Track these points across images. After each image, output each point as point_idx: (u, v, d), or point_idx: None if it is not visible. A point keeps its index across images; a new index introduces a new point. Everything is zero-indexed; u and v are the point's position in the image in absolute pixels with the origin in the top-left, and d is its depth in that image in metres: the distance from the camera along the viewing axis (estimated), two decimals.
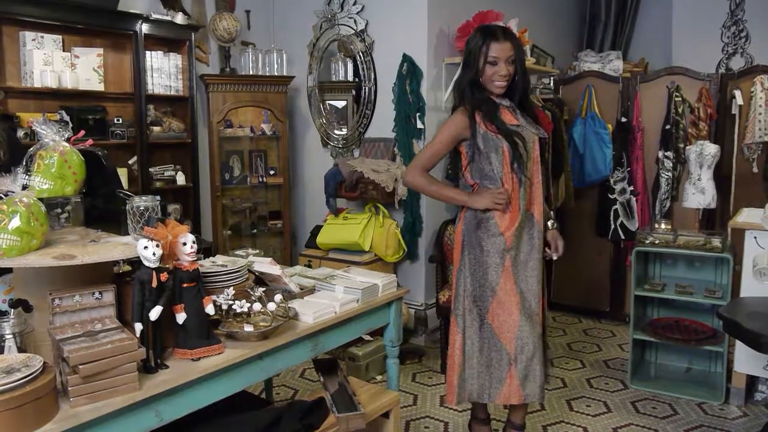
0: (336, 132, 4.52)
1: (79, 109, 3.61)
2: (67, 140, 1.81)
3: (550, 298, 4.67)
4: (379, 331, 2.37)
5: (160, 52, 3.97)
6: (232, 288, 1.82)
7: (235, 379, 1.71)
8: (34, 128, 1.88)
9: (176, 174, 4.12)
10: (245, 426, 1.79)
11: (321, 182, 4.19)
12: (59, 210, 1.82)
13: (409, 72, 3.97)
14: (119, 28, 3.77)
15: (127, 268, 1.95)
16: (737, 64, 5.18)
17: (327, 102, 4.55)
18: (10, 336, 1.48)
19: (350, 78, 4.37)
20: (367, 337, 3.59)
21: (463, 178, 2.50)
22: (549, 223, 2.54)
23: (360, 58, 4.25)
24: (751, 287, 3.09)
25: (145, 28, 3.80)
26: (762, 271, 3.00)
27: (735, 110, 4.23)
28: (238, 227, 4.49)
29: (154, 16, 3.85)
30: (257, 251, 2.37)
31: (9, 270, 1.72)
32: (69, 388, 1.38)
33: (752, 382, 3.31)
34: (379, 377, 3.57)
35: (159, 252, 1.56)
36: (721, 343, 3.27)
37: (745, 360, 3.17)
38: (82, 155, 1.83)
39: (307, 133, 4.75)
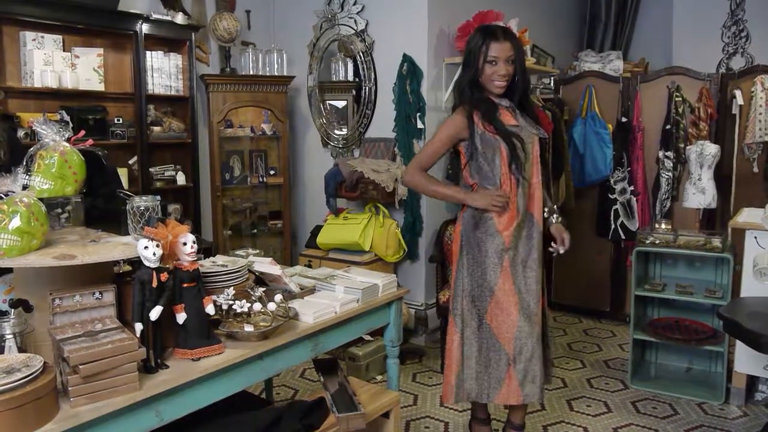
0: (336, 132, 4.52)
1: (79, 109, 3.61)
2: (68, 140, 1.81)
3: (551, 298, 4.67)
4: (380, 331, 2.37)
5: (160, 52, 3.97)
6: (232, 288, 1.82)
7: (235, 379, 1.71)
8: (34, 128, 1.88)
9: (176, 174, 4.12)
10: (245, 426, 1.79)
11: (321, 182, 4.19)
12: (59, 210, 1.82)
13: (410, 72, 3.97)
14: (119, 28, 3.77)
15: (128, 268, 1.95)
16: (738, 63, 5.18)
17: (327, 102, 4.55)
18: (11, 336, 1.48)
19: (350, 78, 4.37)
20: (368, 337, 3.59)
21: (462, 178, 2.51)
22: (553, 218, 2.52)
23: (360, 58, 4.25)
24: (751, 287, 3.09)
25: (145, 28, 3.81)
26: (762, 271, 3.00)
27: (735, 110, 4.23)
28: (239, 227, 4.49)
29: (155, 16, 3.85)
30: (257, 251, 2.37)
31: (9, 270, 1.72)
32: (69, 388, 1.38)
33: (752, 382, 3.31)
34: (379, 377, 3.57)
35: (159, 252, 1.56)
36: (722, 343, 3.26)
37: (746, 360, 3.17)
38: (83, 155, 1.83)
39: (307, 133, 4.75)
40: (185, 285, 1.64)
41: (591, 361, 3.92)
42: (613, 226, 4.49)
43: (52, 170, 1.76)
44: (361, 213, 3.98)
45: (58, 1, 3.43)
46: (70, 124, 3.41)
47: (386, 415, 2.29)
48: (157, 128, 3.99)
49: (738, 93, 4.18)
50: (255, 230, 4.53)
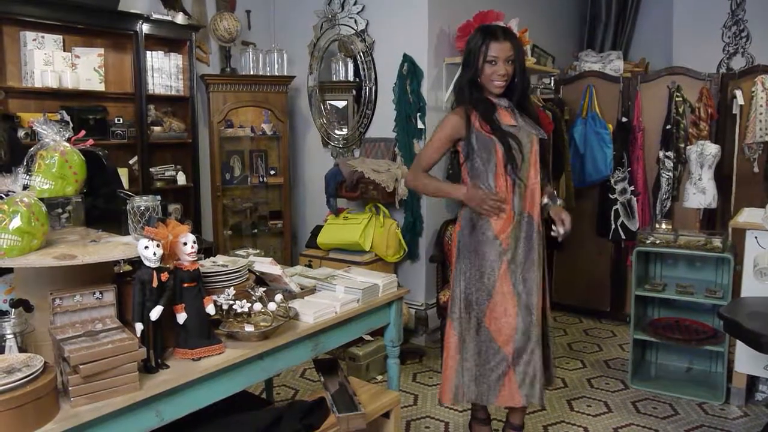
0: (336, 132, 4.52)
1: (79, 109, 3.61)
2: (68, 140, 1.82)
3: (551, 299, 4.66)
4: (380, 331, 2.37)
5: (160, 52, 3.97)
6: (232, 288, 1.82)
7: (235, 379, 1.71)
8: (34, 128, 1.88)
9: (177, 174, 4.12)
10: (246, 426, 1.79)
11: (321, 182, 4.19)
12: (60, 210, 1.82)
13: (410, 72, 3.97)
14: (120, 28, 3.77)
15: (128, 268, 1.95)
16: (738, 63, 5.18)
17: (327, 102, 4.55)
18: (11, 336, 1.48)
19: (351, 78, 4.37)
20: (368, 337, 3.59)
21: (461, 177, 2.51)
22: (550, 201, 2.46)
23: (360, 58, 4.25)
24: (751, 287, 3.08)
25: (145, 28, 3.81)
26: (763, 271, 3.00)
27: (736, 110, 4.23)
28: (239, 227, 4.49)
29: (155, 16, 3.85)
30: (258, 251, 2.37)
31: (10, 270, 1.72)
32: (69, 388, 1.38)
33: (753, 382, 3.31)
34: (379, 377, 3.57)
35: (160, 252, 1.56)
36: (722, 343, 3.26)
37: (746, 360, 3.17)
38: (83, 155, 1.83)
39: (307, 133, 4.75)
40: (186, 285, 1.64)
41: (591, 361, 3.92)
42: (613, 226, 4.49)
43: (52, 170, 1.76)
44: (362, 213, 3.98)
45: (58, 1, 3.44)
46: (71, 124, 3.41)
47: (386, 415, 2.29)
48: (157, 128, 3.99)
49: (738, 93, 4.18)
50: (255, 230, 4.53)
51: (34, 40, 3.47)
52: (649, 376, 3.64)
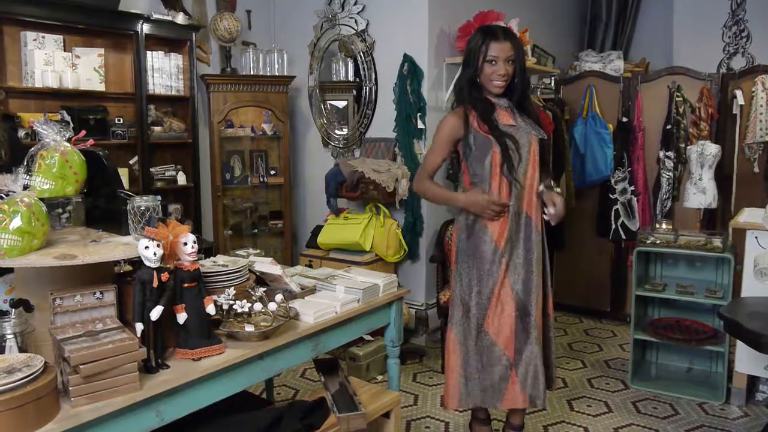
0: (337, 132, 4.52)
1: (80, 109, 3.61)
2: (68, 140, 1.81)
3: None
4: (380, 331, 2.37)
5: (161, 52, 3.97)
6: (232, 288, 1.82)
7: (235, 379, 1.71)
8: (35, 128, 1.88)
9: (177, 174, 4.13)
10: (246, 426, 1.79)
11: (322, 182, 4.19)
12: (60, 210, 1.82)
13: (410, 72, 3.97)
14: (120, 28, 3.77)
15: (128, 268, 1.95)
16: (738, 63, 5.18)
17: (328, 102, 4.55)
18: (11, 336, 1.48)
19: (351, 78, 4.37)
20: (368, 337, 3.60)
21: (461, 178, 2.51)
22: (546, 189, 2.41)
23: (361, 58, 4.25)
24: (752, 287, 3.08)
25: (146, 28, 3.81)
26: (763, 271, 3.00)
27: (736, 110, 4.23)
28: (239, 227, 4.49)
29: (155, 16, 3.85)
30: (258, 251, 2.37)
31: (10, 270, 1.72)
32: (70, 388, 1.38)
33: (753, 382, 3.31)
34: (379, 377, 3.57)
35: (160, 252, 1.56)
36: (722, 343, 3.26)
37: (746, 360, 3.17)
38: (83, 155, 1.83)
39: (307, 133, 4.75)
40: (186, 285, 1.64)
41: (591, 361, 3.92)
42: (613, 226, 4.49)
43: (52, 170, 1.76)
44: (362, 213, 3.98)
45: (58, 1, 3.44)
46: (71, 124, 3.41)
47: (387, 415, 2.29)
48: (157, 128, 3.99)
49: (739, 93, 4.18)
50: (255, 230, 4.53)
51: (35, 40, 3.47)
52: (650, 376, 3.64)
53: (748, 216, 3.30)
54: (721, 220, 4.28)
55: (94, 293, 1.61)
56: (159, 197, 1.79)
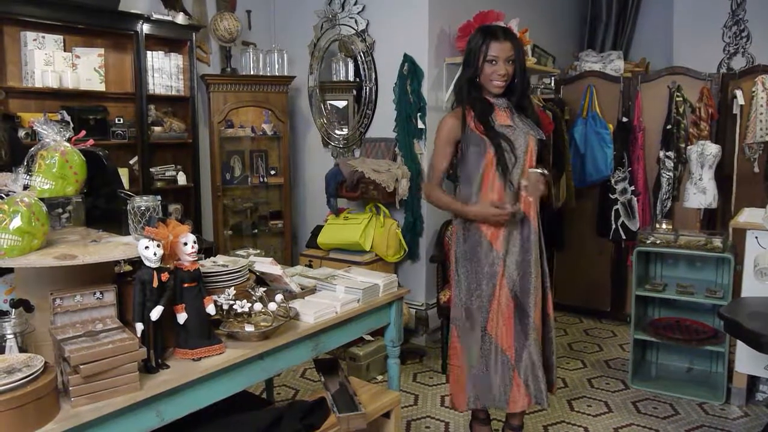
0: (337, 132, 4.52)
1: (80, 109, 3.61)
2: (68, 140, 1.81)
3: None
4: (380, 331, 2.37)
5: (161, 52, 3.97)
6: (233, 288, 1.82)
7: (235, 379, 1.71)
8: (35, 128, 1.88)
9: (177, 174, 4.12)
10: (246, 426, 1.79)
11: (322, 182, 4.19)
12: (60, 210, 1.82)
13: (410, 72, 3.97)
14: (120, 28, 3.77)
15: (128, 268, 1.95)
16: (738, 63, 5.18)
17: (328, 102, 4.55)
18: (12, 336, 1.48)
19: (351, 78, 4.37)
20: (368, 337, 3.60)
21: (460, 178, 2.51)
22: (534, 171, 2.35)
23: (361, 58, 4.25)
24: (752, 287, 3.08)
25: (146, 28, 3.81)
26: (763, 271, 3.00)
27: (736, 110, 4.23)
28: (239, 227, 4.49)
29: (155, 16, 3.85)
30: (258, 251, 2.37)
31: (10, 270, 1.72)
32: (70, 388, 1.38)
33: (753, 382, 3.31)
34: (380, 377, 3.57)
35: (160, 252, 1.56)
36: (722, 343, 3.26)
37: (746, 360, 3.17)
38: (83, 155, 1.83)
39: (308, 133, 4.75)
40: (186, 285, 1.64)
41: (592, 361, 3.92)
42: (613, 226, 4.49)
43: (53, 170, 1.76)
44: (362, 213, 3.98)
45: (58, 1, 3.43)
46: (71, 124, 3.41)
47: (387, 415, 2.29)
48: (157, 128, 3.99)
49: (739, 93, 4.18)
50: (256, 230, 4.53)
51: (35, 40, 3.47)
52: (650, 376, 3.64)
53: (748, 216, 3.30)
54: (721, 220, 4.28)
55: (94, 293, 1.61)
56: (159, 197, 1.79)
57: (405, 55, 3.98)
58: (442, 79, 4.08)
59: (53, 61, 3.51)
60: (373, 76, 4.23)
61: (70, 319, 1.57)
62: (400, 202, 3.94)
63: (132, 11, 3.77)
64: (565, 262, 4.82)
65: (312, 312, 1.96)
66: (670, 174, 4.30)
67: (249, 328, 1.77)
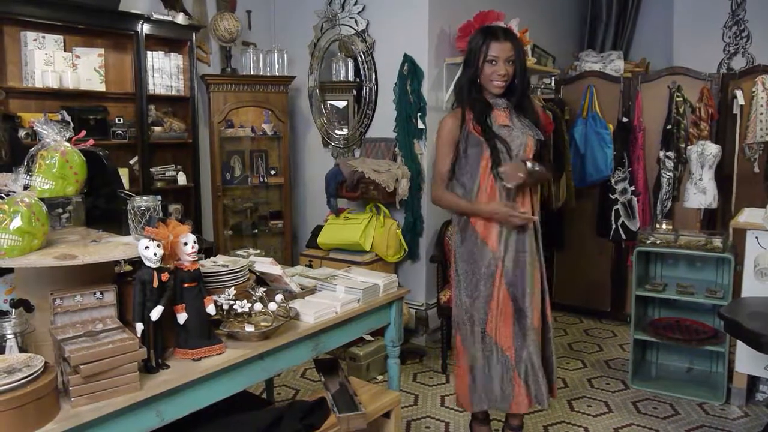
0: (337, 132, 4.52)
1: (80, 109, 3.62)
2: (69, 140, 1.81)
3: (551, 299, 4.66)
4: (380, 331, 2.37)
5: (161, 52, 3.97)
6: (233, 288, 1.82)
7: (236, 379, 1.71)
8: (35, 128, 1.88)
9: (177, 174, 4.13)
10: (246, 426, 1.79)
11: (322, 182, 4.19)
12: (60, 210, 1.82)
13: (410, 72, 3.97)
14: (120, 28, 3.77)
15: (129, 268, 1.95)
16: (738, 64, 5.18)
17: (328, 102, 4.55)
18: (12, 336, 1.48)
19: (351, 78, 4.37)
20: (368, 337, 3.60)
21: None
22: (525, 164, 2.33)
23: (361, 58, 4.25)
24: (752, 287, 3.08)
25: (146, 28, 3.81)
26: (763, 271, 3.00)
27: (736, 110, 4.23)
28: (239, 227, 4.49)
29: (155, 16, 3.85)
30: (258, 251, 2.37)
31: (10, 270, 1.72)
32: (70, 388, 1.38)
33: (753, 382, 3.31)
34: (380, 377, 3.57)
35: (160, 252, 1.56)
36: (722, 344, 3.26)
37: (746, 360, 3.17)
38: (84, 155, 1.83)
39: (308, 133, 4.75)
40: (186, 285, 1.64)
41: (592, 361, 3.92)
42: (614, 226, 4.49)
43: (53, 170, 1.75)
44: (362, 213, 3.98)
45: (59, 1, 3.44)
46: (71, 124, 3.41)
47: (387, 415, 2.29)
48: (157, 128, 3.99)
49: (739, 93, 4.18)
50: (256, 230, 4.53)
51: (35, 40, 3.47)
52: (650, 376, 3.63)
53: (748, 216, 3.30)
54: (722, 220, 4.28)
55: (95, 293, 1.61)
56: (159, 197, 1.79)
57: (405, 55, 3.98)
58: (442, 79, 4.08)
59: (53, 61, 3.51)
60: (373, 76, 4.23)
61: (70, 319, 1.57)
62: (400, 202, 3.94)
63: (132, 11, 3.78)
64: (565, 262, 4.82)
65: (312, 312, 1.96)
66: (670, 174, 4.30)
67: (249, 328, 1.77)
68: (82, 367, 1.36)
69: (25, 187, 1.68)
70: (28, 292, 1.61)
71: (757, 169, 4.24)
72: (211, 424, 1.77)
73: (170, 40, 4.03)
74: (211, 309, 1.70)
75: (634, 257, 3.43)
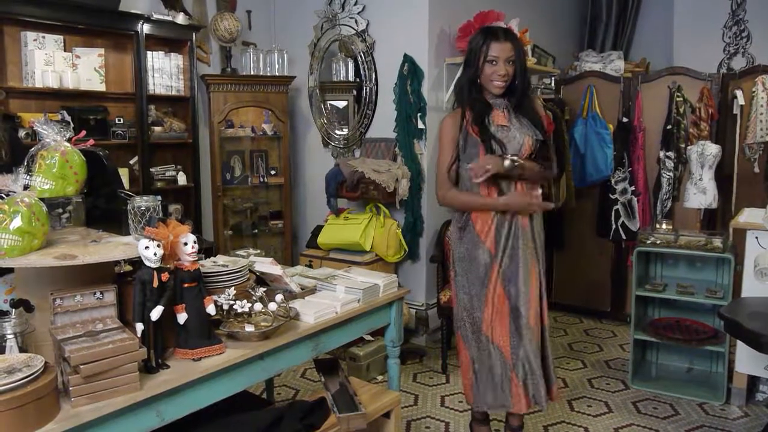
0: (337, 132, 4.52)
1: (80, 109, 3.62)
2: (69, 140, 1.81)
3: (551, 299, 4.66)
4: (380, 331, 2.37)
5: (161, 53, 3.97)
6: (233, 288, 1.83)
7: (236, 379, 1.71)
8: (35, 128, 1.88)
9: (177, 174, 4.13)
10: (246, 426, 1.79)
11: (322, 182, 4.19)
12: (60, 210, 1.82)
13: (410, 72, 3.97)
14: (120, 28, 3.77)
15: (129, 268, 1.95)
16: (738, 64, 5.18)
17: (328, 102, 4.55)
18: (12, 336, 1.48)
19: (351, 78, 4.37)
20: (368, 337, 3.59)
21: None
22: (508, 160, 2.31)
23: (361, 58, 4.25)
24: (752, 287, 3.08)
25: (146, 28, 3.81)
26: (763, 271, 3.00)
27: (736, 110, 4.23)
28: (239, 227, 4.49)
29: (156, 16, 3.85)
30: (258, 251, 2.37)
31: (10, 270, 1.72)
32: (70, 388, 1.38)
33: (753, 382, 3.31)
34: (380, 377, 3.57)
35: (160, 252, 1.56)
36: (722, 344, 3.26)
37: (746, 360, 3.17)
38: (84, 155, 1.83)
39: (308, 133, 4.75)
40: (186, 285, 1.64)
41: (592, 361, 3.92)
42: (614, 226, 4.49)
43: (53, 170, 1.76)
44: (362, 213, 3.98)
45: (59, 1, 3.44)
46: (71, 124, 3.42)
47: (387, 415, 2.29)
48: (158, 128, 3.99)
49: (739, 93, 4.18)
50: (256, 230, 4.53)
51: (35, 40, 3.47)
52: (650, 376, 3.63)
53: (748, 216, 3.30)
54: (722, 220, 4.28)
55: (95, 293, 1.61)
56: (159, 197, 1.79)
57: (405, 56, 3.98)
58: (442, 79, 4.08)
59: (53, 61, 3.51)
60: (373, 76, 4.23)
61: (70, 319, 1.58)
62: (400, 202, 3.94)
63: (132, 11, 3.77)
64: (565, 262, 4.82)
65: (312, 312, 1.96)
66: (671, 174, 4.30)
67: (249, 328, 1.77)
68: (82, 367, 1.36)
69: (25, 187, 1.68)
70: (28, 292, 1.61)
71: (757, 169, 4.24)
72: (211, 424, 1.77)
73: (170, 40, 4.03)
74: (211, 309, 1.70)
75: (634, 257, 3.43)
